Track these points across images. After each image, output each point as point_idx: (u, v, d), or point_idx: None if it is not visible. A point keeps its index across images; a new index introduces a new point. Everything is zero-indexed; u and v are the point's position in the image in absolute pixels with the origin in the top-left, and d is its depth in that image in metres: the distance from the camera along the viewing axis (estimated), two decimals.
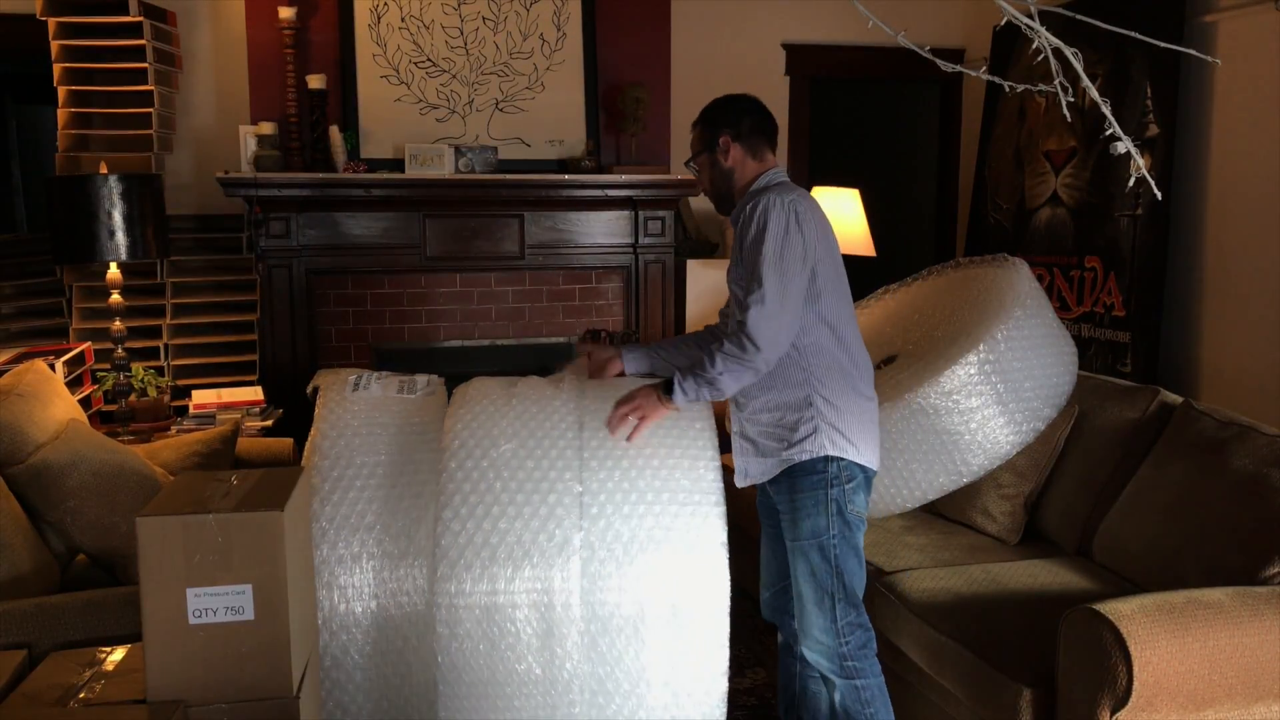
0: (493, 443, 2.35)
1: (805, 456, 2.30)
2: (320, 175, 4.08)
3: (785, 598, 2.54)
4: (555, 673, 2.25)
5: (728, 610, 2.29)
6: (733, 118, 2.45)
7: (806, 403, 2.31)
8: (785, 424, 2.33)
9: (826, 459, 2.30)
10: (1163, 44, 1.71)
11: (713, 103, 2.52)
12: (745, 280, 2.29)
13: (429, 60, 4.35)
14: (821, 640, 2.35)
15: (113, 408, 3.57)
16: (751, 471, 2.42)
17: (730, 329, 2.29)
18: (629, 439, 2.34)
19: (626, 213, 4.49)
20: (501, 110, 4.43)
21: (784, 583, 2.54)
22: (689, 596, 2.26)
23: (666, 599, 2.26)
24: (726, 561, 2.29)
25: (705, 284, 4.60)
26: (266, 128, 4.07)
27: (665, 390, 2.31)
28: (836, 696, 2.39)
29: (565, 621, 2.24)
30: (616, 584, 2.24)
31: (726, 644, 2.30)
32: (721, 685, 2.31)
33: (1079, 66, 1.57)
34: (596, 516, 2.27)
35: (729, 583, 2.29)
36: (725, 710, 2.35)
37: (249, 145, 4.10)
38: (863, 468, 2.35)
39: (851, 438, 2.31)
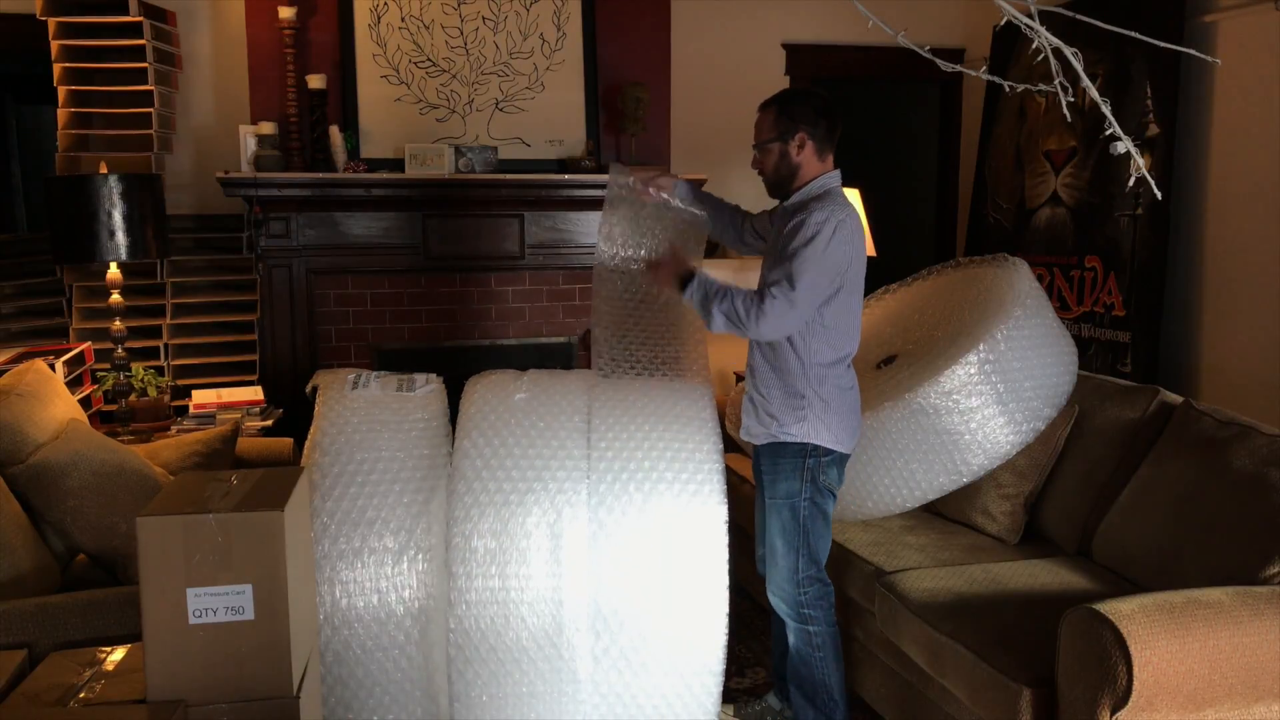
0: (507, 396, 2.58)
1: (791, 440, 2.60)
2: (320, 175, 4.09)
3: None
4: (561, 595, 2.41)
5: (727, 575, 2.42)
6: (813, 116, 2.58)
7: (801, 395, 2.59)
8: (785, 406, 2.61)
9: (809, 443, 2.59)
10: (1163, 44, 1.71)
11: (794, 94, 2.65)
12: (778, 268, 2.48)
13: (429, 60, 4.35)
14: (783, 587, 2.65)
15: (113, 408, 3.57)
16: (750, 430, 2.70)
17: (753, 295, 2.49)
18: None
19: None
20: (501, 110, 4.43)
21: None
22: (688, 552, 2.44)
23: (663, 542, 2.44)
24: (725, 519, 2.45)
25: None
26: (266, 128, 4.07)
27: (687, 279, 2.56)
28: (791, 638, 2.69)
29: (572, 545, 2.41)
30: (620, 519, 2.44)
31: (726, 604, 2.44)
32: (720, 640, 2.45)
33: (1079, 66, 1.57)
34: (603, 453, 2.49)
35: (728, 543, 2.44)
36: (723, 666, 2.48)
37: (249, 145, 4.10)
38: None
39: (834, 430, 2.61)
